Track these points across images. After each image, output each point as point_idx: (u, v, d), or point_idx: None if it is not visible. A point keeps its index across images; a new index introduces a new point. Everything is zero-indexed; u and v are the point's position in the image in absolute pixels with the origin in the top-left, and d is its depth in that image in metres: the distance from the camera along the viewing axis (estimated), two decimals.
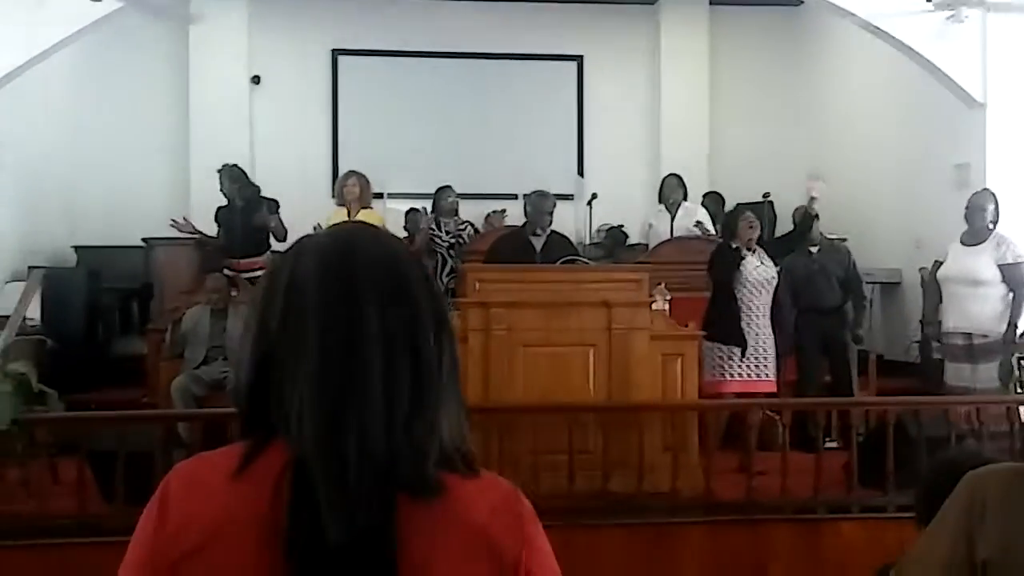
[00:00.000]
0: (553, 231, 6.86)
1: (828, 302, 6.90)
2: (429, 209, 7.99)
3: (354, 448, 1.07)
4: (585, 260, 6.85)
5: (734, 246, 6.27)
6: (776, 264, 6.44)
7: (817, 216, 6.82)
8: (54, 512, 4.95)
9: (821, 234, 7.07)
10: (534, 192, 7.02)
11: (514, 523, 1.15)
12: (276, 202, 7.76)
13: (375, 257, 1.17)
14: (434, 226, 7.59)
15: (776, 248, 6.96)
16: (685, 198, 8.41)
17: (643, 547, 5.20)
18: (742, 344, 6.10)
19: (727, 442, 6.08)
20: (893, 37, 7.35)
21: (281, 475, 1.08)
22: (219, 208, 7.89)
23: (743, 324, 6.14)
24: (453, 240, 7.43)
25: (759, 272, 6.26)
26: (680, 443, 5.51)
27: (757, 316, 6.25)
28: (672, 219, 8.23)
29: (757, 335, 6.20)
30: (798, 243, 7.12)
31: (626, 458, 5.42)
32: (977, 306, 6.34)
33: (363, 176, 8.29)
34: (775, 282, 6.33)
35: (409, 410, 1.11)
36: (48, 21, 6.86)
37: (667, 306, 6.21)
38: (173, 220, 7.47)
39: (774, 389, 6.30)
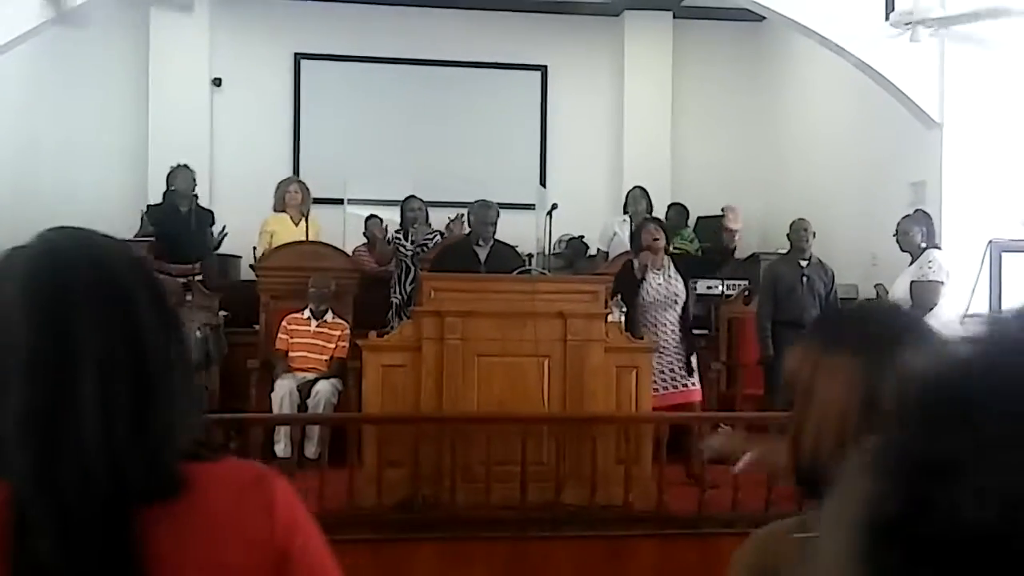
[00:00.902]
0: (497, 240, 6.86)
1: (808, 317, 6.91)
2: (397, 218, 7.94)
3: (70, 479, 1.03)
4: (541, 271, 6.85)
5: (635, 267, 6.31)
6: (685, 279, 6.46)
7: (734, 250, 6.67)
8: None
9: (811, 248, 7.13)
10: (477, 202, 7.05)
11: (265, 504, 1.13)
12: (212, 214, 7.82)
13: (83, 267, 1.13)
14: (400, 235, 7.54)
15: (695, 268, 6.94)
16: (649, 210, 8.45)
17: (595, 560, 5.19)
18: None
19: (672, 453, 6.08)
20: (852, 55, 7.42)
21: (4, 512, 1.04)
22: (152, 207, 7.83)
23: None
24: (418, 249, 7.39)
25: (661, 290, 6.32)
26: (633, 456, 5.50)
27: (665, 332, 6.30)
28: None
29: (666, 351, 6.24)
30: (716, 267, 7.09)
31: (579, 470, 5.40)
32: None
33: (303, 183, 8.27)
34: (682, 297, 6.39)
35: (133, 422, 1.07)
36: (3, 19, 6.75)
37: (623, 318, 6.21)
38: None
39: (697, 399, 6.33)
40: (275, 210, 8.17)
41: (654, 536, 5.30)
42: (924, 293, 6.43)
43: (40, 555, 1.02)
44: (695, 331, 6.75)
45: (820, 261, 7.19)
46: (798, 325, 6.88)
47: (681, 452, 6.09)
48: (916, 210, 6.91)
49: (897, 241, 6.73)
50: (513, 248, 7.15)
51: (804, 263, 7.09)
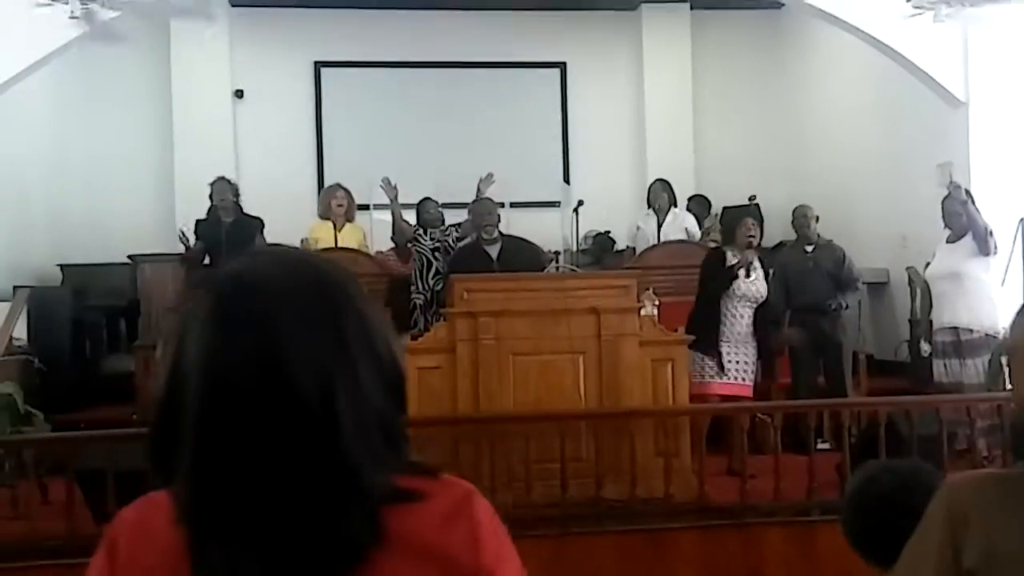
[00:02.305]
0: (506, 235, 6.86)
1: (821, 300, 6.88)
2: (413, 220, 7.98)
3: (228, 553, 1.02)
4: (572, 267, 6.84)
5: (729, 262, 6.29)
6: (767, 272, 6.47)
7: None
8: (44, 533, 4.91)
9: (818, 234, 7.10)
10: (475, 198, 7.06)
11: (469, 530, 1.10)
12: (261, 221, 7.75)
13: (274, 295, 1.08)
14: (419, 232, 7.59)
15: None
16: (673, 203, 8.45)
17: (637, 553, 5.18)
18: (716, 357, 6.19)
19: (713, 445, 6.08)
20: (874, 38, 7.38)
21: None
22: (200, 221, 7.86)
23: (723, 335, 6.22)
24: (438, 244, 7.42)
25: (749, 288, 6.31)
26: (672, 448, 5.49)
27: (740, 327, 6.31)
28: (660, 224, 8.25)
29: (737, 344, 6.27)
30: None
31: (618, 464, 5.40)
32: (962, 301, 6.40)
33: (347, 190, 8.29)
34: (763, 297, 6.38)
35: (304, 473, 1.03)
36: (30, 39, 6.82)
37: (656, 311, 6.22)
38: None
39: (750, 394, 6.33)
40: (320, 217, 8.19)
41: (696, 528, 5.29)
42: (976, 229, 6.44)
43: None
44: None
45: (828, 242, 7.16)
46: (814, 310, 6.86)
47: (720, 444, 6.08)
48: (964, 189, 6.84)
49: (944, 221, 6.66)
50: (525, 240, 7.15)
51: (810, 248, 7.06)
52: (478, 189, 7.69)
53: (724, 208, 9.56)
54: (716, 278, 6.32)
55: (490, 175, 7.78)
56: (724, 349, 6.22)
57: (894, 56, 7.46)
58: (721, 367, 6.20)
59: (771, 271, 6.74)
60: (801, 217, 7.17)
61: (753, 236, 6.38)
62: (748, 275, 6.32)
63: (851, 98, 9.57)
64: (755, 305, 6.38)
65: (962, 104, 7.42)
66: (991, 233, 6.42)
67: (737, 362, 6.27)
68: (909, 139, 8.41)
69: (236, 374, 1.04)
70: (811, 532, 5.26)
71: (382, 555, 1.05)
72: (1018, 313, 1.56)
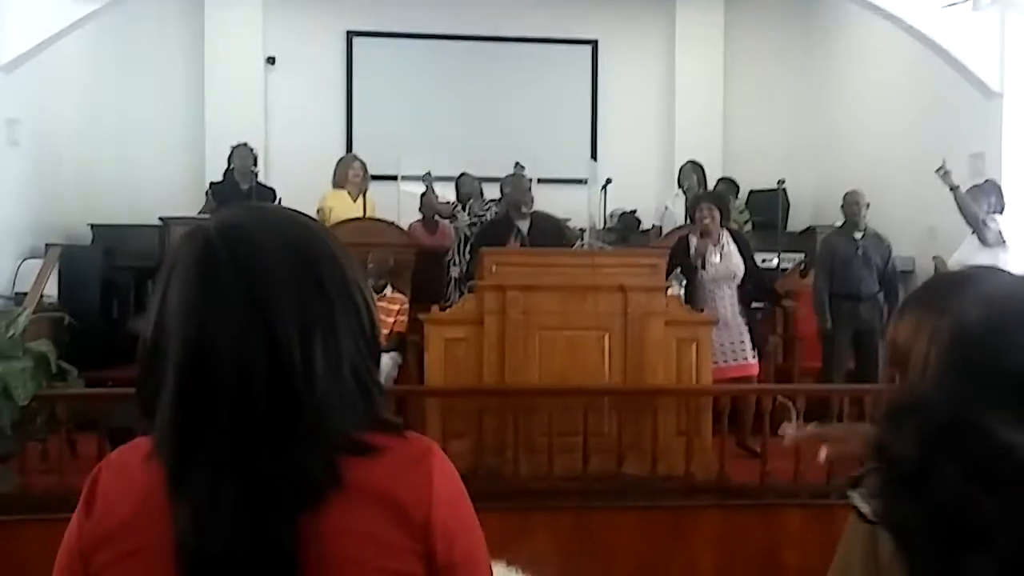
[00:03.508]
0: (536, 211, 6.88)
1: (865, 290, 6.89)
2: (451, 195, 8.02)
3: (207, 478, 1.06)
4: (601, 244, 6.87)
5: (691, 247, 6.33)
6: (744, 254, 6.45)
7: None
8: (72, 486, 5.00)
9: (866, 219, 7.10)
10: (509, 174, 7.06)
11: (422, 484, 1.13)
12: (275, 192, 7.85)
13: (259, 244, 1.14)
14: (459, 209, 7.63)
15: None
16: (703, 185, 8.45)
17: (657, 530, 5.24)
18: None
19: (731, 426, 6.11)
20: (910, 26, 7.34)
21: None
22: (215, 184, 7.92)
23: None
24: (476, 220, 7.45)
25: (721, 268, 6.33)
26: (694, 427, 5.54)
27: (723, 305, 6.31)
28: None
29: (725, 324, 6.25)
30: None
31: (640, 442, 5.46)
32: None
33: (363, 161, 8.34)
34: (740, 272, 6.39)
35: (271, 420, 1.07)
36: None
37: (682, 291, 6.24)
38: None
39: (754, 373, 6.35)
40: (335, 186, 8.25)
41: (716, 507, 5.34)
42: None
43: (187, 540, 1.06)
44: (754, 305, 6.74)
45: (876, 233, 7.15)
46: (855, 297, 6.88)
47: (737, 424, 6.12)
48: (985, 180, 6.82)
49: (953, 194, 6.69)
50: (554, 217, 7.17)
51: (859, 235, 7.06)
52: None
53: (751, 192, 9.56)
54: (679, 257, 6.35)
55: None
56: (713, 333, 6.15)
57: (929, 44, 7.42)
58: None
59: (803, 255, 6.72)
60: (853, 204, 7.14)
61: (707, 220, 6.38)
62: (718, 258, 6.33)
63: (883, 86, 9.52)
64: (734, 282, 6.37)
65: (996, 95, 7.38)
66: (986, 225, 6.41)
67: (721, 344, 6.25)
68: (941, 129, 8.36)
69: (217, 316, 1.10)
70: (829, 515, 5.28)
71: (339, 500, 1.09)
72: (902, 307, 1.50)
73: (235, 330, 1.09)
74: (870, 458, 0.71)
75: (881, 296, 6.92)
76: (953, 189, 6.46)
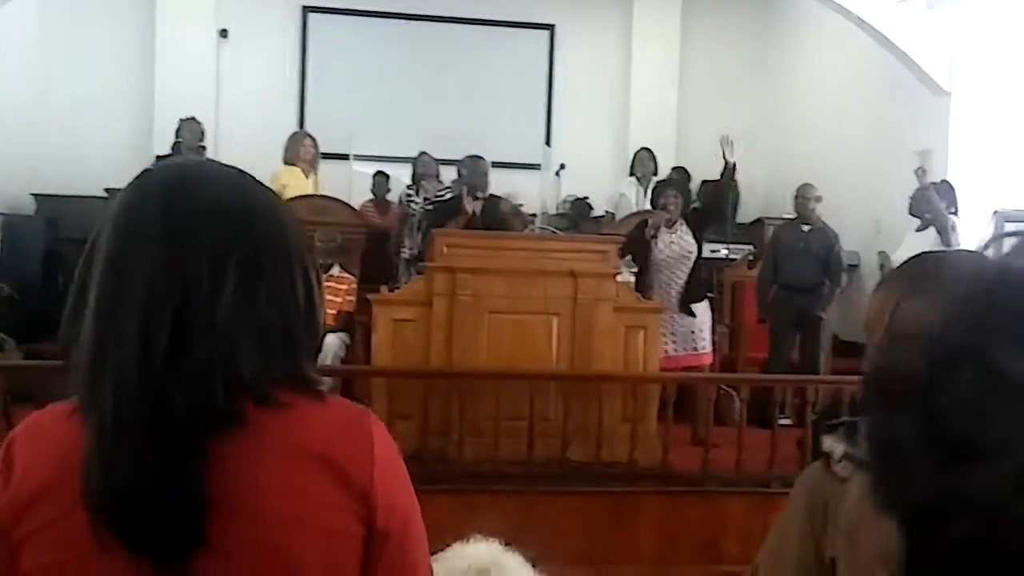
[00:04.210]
0: (491, 194, 6.88)
1: (806, 280, 6.99)
2: (406, 174, 7.96)
3: (110, 404, 1.06)
4: (553, 230, 6.87)
5: (647, 230, 6.35)
6: (698, 239, 6.49)
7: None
8: None
9: (815, 213, 7.17)
10: (467, 156, 7.05)
11: (362, 445, 1.13)
12: None
13: (196, 197, 1.14)
14: (412, 191, 7.56)
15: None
16: (655, 173, 8.50)
17: (601, 515, 5.27)
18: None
19: (678, 414, 6.16)
20: (865, 22, 7.41)
21: None
22: (161, 158, 7.78)
23: (658, 300, 6.20)
24: (430, 206, 7.39)
25: (674, 248, 6.35)
26: (639, 414, 5.57)
27: (676, 291, 6.33)
28: (644, 192, 8.30)
29: (676, 310, 6.29)
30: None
31: (585, 427, 5.48)
32: None
33: (314, 138, 8.26)
34: (694, 254, 6.41)
35: (171, 353, 1.07)
36: None
37: (632, 278, 6.27)
38: None
39: (707, 362, 6.39)
40: (285, 163, 8.16)
41: (658, 493, 5.39)
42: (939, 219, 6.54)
43: (92, 480, 1.05)
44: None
45: (824, 225, 7.24)
46: (797, 288, 6.97)
47: (686, 413, 6.17)
48: (942, 181, 6.92)
49: (910, 205, 6.77)
50: (507, 201, 7.16)
51: (806, 228, 7.14)
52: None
53: (703, 182, 9.61)
54: (637, 242, 6.37)
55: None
56: (662, 320, 6.17)
57: (881, 40, 7.50)
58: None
59: (751, 247, 6.79)
60: (802, 198, 7.23)
61: (671, 207, 6.42)
62: (671, 238, 6.36)
63: (836, 81, 9.62)
64: (688, 263, 6.40)
65: (945, 93, 7.48)
66: (954, 228, 6.52)
67: (673, 333, 6.29)
68: (890, 125, 8.48)
69: (137, 245, 1.11)
70: (769, 504, 5.35)
71: (275, 457, 1.09)
72: (877, 287, 1.53)
73: (150, 258, 1.10)
74: (866, 385, 0.71)
75: (825, 287, 7.01)
76: (925, 190, 6.53)
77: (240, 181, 1.19)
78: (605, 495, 5.34)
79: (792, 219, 7.41)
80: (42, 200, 8.65)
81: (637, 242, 6.34)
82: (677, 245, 6.38)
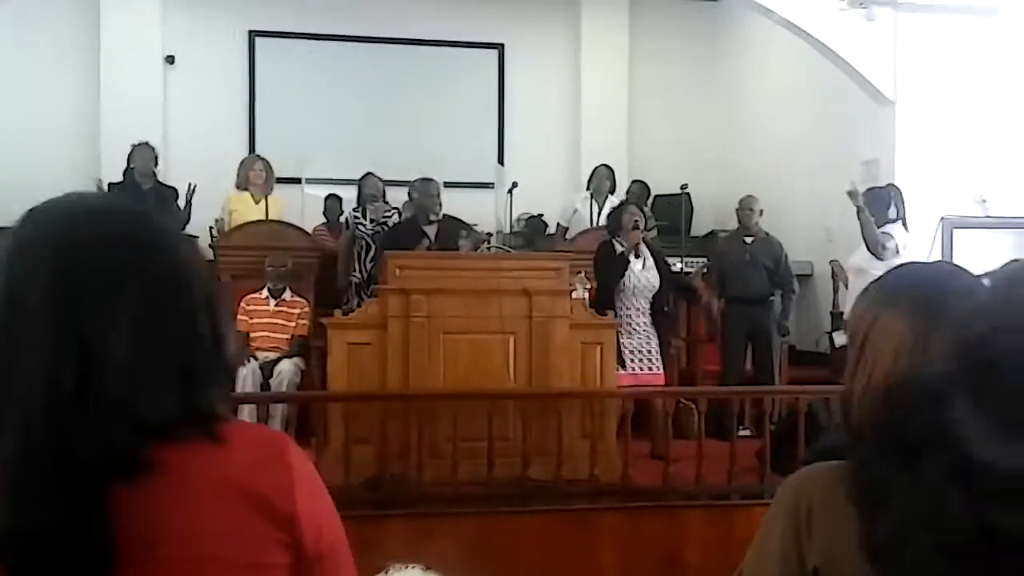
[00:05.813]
0: (445, 215, 6.87)
1: (755, 292, 7.02)
2: (354, 196, 7.92)
3: (14, 446, 1.04)
4: (506, 248, 6.86)
5: (619, 250, 6.36)
6: (658, 266, 6.50)
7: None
8: None
9: (758, 224, 7.20)
10: (418, 179, 7.04)
11: (281, 471, 1.13)
12: (176, 190, 7.63)
13: (84, 237, 1.13)
14: (358, 213, 7.50)
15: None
16: (612, 191, 8.53)
17: (562, 533, 5.24)
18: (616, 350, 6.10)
19: (637, 429, 6.16)
20: (808, 34, 7.50)
21: None
22: (113, 185, 7.68)
23: (622, 329, 6.19)
24: (378, 228, 7.34)
25: (643, 279, 6.38)
26: (598, 431, 5.56)
27: (638, 315, 6.36)
28: (600, 209, 8.31)
29: (637, 333, 6.31)
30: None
31: (545, 445, 5.45)
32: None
33: (267, 162, 8.20)
34: (656, 288, 6.42)
35: (76, 396, 1.05)
36: None
37: (587, 295, 6.27)
38: None
39: (662, 382, 6.41)
40: (237, 187, 8.09)
41: (620, 508, 5.37)
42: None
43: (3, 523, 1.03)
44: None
45: (767, 235, 7.29)
46: (746, 300, 7.01)
47: (644, 428, 6.17)
48: (888, 184, 6.98)
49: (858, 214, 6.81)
50: (461, 221, 7.17)
51: (749, 240, 7.19)
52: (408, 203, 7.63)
53: (656, 196, 9.66)
54: (608, 267, 6.38)
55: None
56: (623, 341, 6.21)
57: (826, 52, 7.59)
58: (622, 360, 6.17)
59: (705, 260, 6.82)
60: (745, 209, 7.28)
61: (637, 219, 6.44)
62: (638, 256, 6.37)
63: (783, 92, 9.73)
64: (651, 296, 6.43)
65: (890, 103, 7.58)
66: (884, 247, 6.50)
67: (640, 351, 6.31)
68: (837, 135, 8.58)
69: (32, 299, 1.08)
70: (730, 515, 5.37)
71: (181, 494, 1.07)
72: (859, 296, 1.54)
73: (46, 296, 1.08)
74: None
75: (776, 298, 7.07)
76: (860, 210, 6.53)
77: (137, 218, 1.18)
78: (566, 513, 5.31)
79: (734, 232, 7.46)
80: None
81: (607, 264, 6.34)
82: (646, 279, 6.39)
